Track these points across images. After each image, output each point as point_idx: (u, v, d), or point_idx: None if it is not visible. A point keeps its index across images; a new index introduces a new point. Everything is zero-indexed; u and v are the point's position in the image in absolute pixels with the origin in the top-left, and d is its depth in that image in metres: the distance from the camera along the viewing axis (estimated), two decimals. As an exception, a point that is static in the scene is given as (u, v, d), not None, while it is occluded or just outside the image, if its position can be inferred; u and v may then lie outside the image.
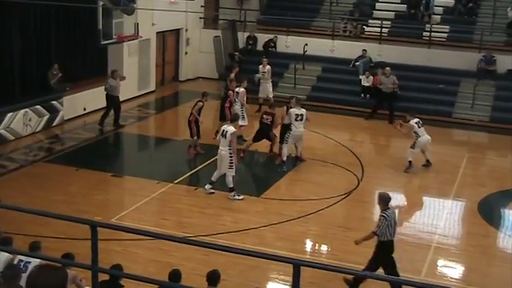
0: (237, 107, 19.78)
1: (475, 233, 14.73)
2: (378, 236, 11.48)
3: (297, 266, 5.18)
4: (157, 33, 26.41)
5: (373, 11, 29.55)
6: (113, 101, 21.33)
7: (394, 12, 29.23)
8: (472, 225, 15.14)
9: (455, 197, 16.79)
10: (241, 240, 13.50)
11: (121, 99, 22.02)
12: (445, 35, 27.60)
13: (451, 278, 12.75)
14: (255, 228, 14.29)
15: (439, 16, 28.99)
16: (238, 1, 30.95)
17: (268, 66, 24.09)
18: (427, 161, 18.53)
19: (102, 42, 21.76)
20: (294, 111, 18.03)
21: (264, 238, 14.08)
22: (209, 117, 21.01)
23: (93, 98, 22.25)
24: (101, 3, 21.00)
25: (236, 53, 27.44)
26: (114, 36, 22.18)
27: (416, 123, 18.40)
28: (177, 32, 28.33)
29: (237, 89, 20.09)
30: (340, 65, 26.86)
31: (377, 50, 26.89)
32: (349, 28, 28.55)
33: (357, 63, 26.34)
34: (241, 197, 15.74)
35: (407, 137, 18.58)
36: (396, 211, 11.71)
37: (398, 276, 11.05)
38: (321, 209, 15.45)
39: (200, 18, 29.19)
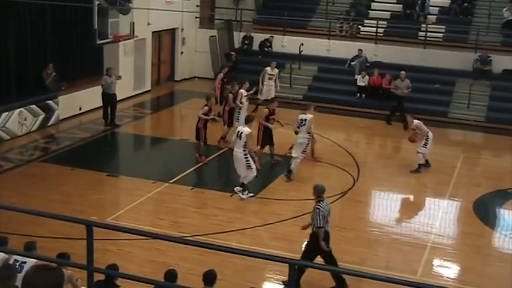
0: (242, 112, 19.60)
1: (470, 232, 14.75)
2: (315, 226, 11.71)
3: (293, 265, 5.18)
4: (153, 32, 26.39)
5: (369, 11, 29.57)
6: (108, 99, 21.32)
7: (389, 12, 29.26)
8: (468, 225, 15.16)
9: (451, 196, 16.82)
10: (237, 240, 13.49)
11: (117, 98, 22.00)
12: (441, 35, 27.63)
13: (446, 277, 12.76)
14: (251, 228, 14.30)
15: (434, 16, 29.02)
16: (234, 1, 30.94)
17: (276, 70, 23.68)
18: (427, 161, 18.54)
19: (98, 42, 21.81)
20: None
21: (259, 238, 14.08)
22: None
23: (88, 98, 22.22)
24: (97, 2, 21.03)
25: (232, 53, 27.43)
26: (109, 36, 22.22)
27: (419, 122, 18.45)
28: (172, 32, 28.31)
29: (241, 90, 19.95)
30: (336, 65, 26.88)
31: (373, 49, 26.92)
32: (345, 28, 28.56)
33: (353, 63, 26.37)
34: (250, 194, 15.70)
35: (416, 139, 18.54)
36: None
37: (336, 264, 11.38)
38: (317, 209, 15.44)
39: (196, 17, 29.18)
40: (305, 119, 17.09)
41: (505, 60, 25.54)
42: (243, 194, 15.63)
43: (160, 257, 12.54)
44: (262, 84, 23.40)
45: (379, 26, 27.61)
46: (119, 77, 22.47)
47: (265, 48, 28.03)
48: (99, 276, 8.48)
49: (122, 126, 21.87)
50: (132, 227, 13.04)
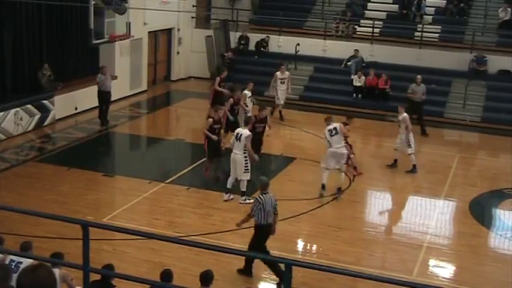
0: (240, 111, 19.42)
1: (466, 232, 14.76)
2: (252, 217, 11.86)
3: (289, 265, 5.18)
4: (149, 32, 26.37)
5: (365, 11, 29.60)
6: (102, 97, 21.33)
7: (385, 13, 29.29)
8: (463, 225, 15.17)
9: (447, 197, 16.83)
10: (232, 240, 13.48)
11: (113, 98, 22.00)
12: (437, 35, 27.67)
13: (442, 277, 12.77)
14: (247, 228, 14.27)
15: (430, 16, 29.06)
16: (230, 1, 30.94)
17: (287, 73, 23.24)
18: (395, 160, 18.53)
19: (94, 42, 21.76)
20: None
21: (255, 238, 14.06)
22: (200, 117, 20.97)
23: (84, 98, 22.20)
24: (93, 2, 20.99)
25: (226, 54, 27.40)
26: (105, 36, 22.17)
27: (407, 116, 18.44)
28: (169, 32, 28.29)
29: (245, 91, 19.80)
30: (332, 65, 26.91)
31: (369, 50, 26.93)
32: (341, 28, 28.58)
33: (349, 63, 26.40)
34: (251, 200, 15.52)
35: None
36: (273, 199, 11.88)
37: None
38: (313, 209, 15.47)
39: (192, 17, 29.17)
40: (335, 128, 16.24)
41: (500, 60, 25.59)
42: (245, 200, 15.43)
43: (156, 257, 12.53)
44: (276, 89, 22.86)
45: (375, 26, 27.65)
46: (115, 77, 22.42)
47: (262, 48, 28.04)
48: (95, 276, 8.47)
49: (117, 126, 21.86)
50: (128, 227, 13.04)
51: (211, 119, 16.28)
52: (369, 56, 26.75)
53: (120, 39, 23.33)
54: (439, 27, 27.97)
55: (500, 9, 27.90)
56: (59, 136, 20.52)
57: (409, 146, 18.17)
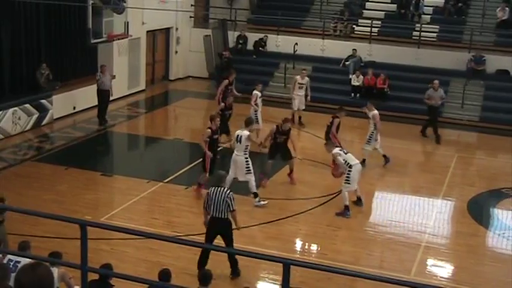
0: (259, 113, 19.59)
1: (464, 232, 14.77)
2: (205, 209, 11.81)
3: (287, 265, 5.18)
4: (147, 32, 26.36)
5: (363, 11, 29.60)
6: (101, 96, 21.33)
7: (384, 12, 29.29)
8: (462, 225, 15.18)
9: (445, 196, 16.84)
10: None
11: (111, 97, 21.98)
12: (435, 34, 27.67)
13: (440, 277, 12.78)
14: (245, 227, 14.28)
15: (428, 16, 29.06)
16: (228, 0, 30.94)
17: (307, 78, 22.32)
18: (364, 160, 18.35)
19: (92, 41, 21.76)
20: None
21: (253, 237, 14.06)
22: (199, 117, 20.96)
23: (82, 97, 22.19)
24: (91, 2, 20.98)
25: (224, 53, 27.42)
26: (104, 35, 22.16)
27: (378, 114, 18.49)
28: (167, 31, 28.28)
29: (254, 92, 19.78)
30: (330, 65, 26.90)
31: (367, 49, 26.94)
32: (339, 28, 28.59)
33: (347, 63, 26.40)
34: (265, 202, 15.41)
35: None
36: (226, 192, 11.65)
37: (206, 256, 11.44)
38: (311, 209, 15.46)
39: (190, 17, 29.16)
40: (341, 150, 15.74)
41: (498, 60, 25.61)
42: (259, 202, 15.36)
43: (154, 256, 12.53)
44: (293, 94, 22.16)
45: (373, 25, 27.65)
46: (113, 76, 22.42)
47: (260, 48, 28.04)
48: (93, 276, 8.47)
49: (116, 126, 21.85)
50: (126, 227, 13.02)
51: (209, 130, 15.51)
52: (367, 55, 26.76)
53: (118, 39, 23.33)
54: (437, 26, 27.98)
55: (499, 9, 27.90)
56: (57, 135, 20.51)
57: (376, 140, 18.38)
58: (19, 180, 16.39)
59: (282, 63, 26.69)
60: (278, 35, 28.19)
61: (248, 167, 15.33)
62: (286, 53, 27.05)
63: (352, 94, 25.17)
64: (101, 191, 16.63)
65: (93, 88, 21.43)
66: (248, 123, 15.93)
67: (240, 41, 28.36)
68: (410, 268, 12.80)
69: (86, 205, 15.07)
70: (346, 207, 15.06)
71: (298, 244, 14.23)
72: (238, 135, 15.45)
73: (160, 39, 28.08)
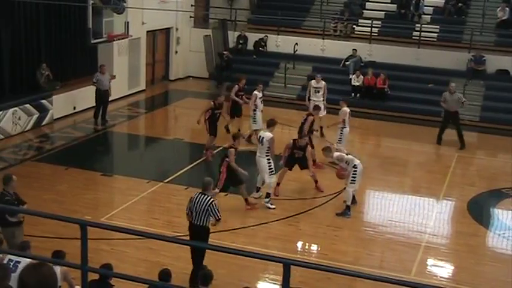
0: (258, 113, 19.52)
1: (464, 232, 14.77)
2: (187, 214, 11.70)
3: (287, 265, 5.17)
4: (147, 32, 26.36)
5: (363, 11, 29.61)
6: (99, 95, 21.32)
7: (384, 12, 29.30)
8: (462, 225, 15.18)
9: (445, 196, 16.84)
10: (231, 239, 13.48)
11: (111, 98, 22.00)
12: (435, 34, 27.67)
13: (440, 277, 12.78)
14: (245, 227, 14.29)
15: (429, 16, 29.07)
16: (228, 0, 30.94)
17: (323, 82, 21.10)
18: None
19: (92, 41, 21.74)
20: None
21: (254, 237, 14.07)
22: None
23: (83, 97, 22.18)
24: (91, 2, 20.97)
25: (225, 52, 27.43)
26: (104, 35, 22.15)
27: (349, 112, 18.39)
28: (167, 31, 28.28)
29: (255, 92, 19.69)
30: (330, 65, 26.88)
31: (367, 49, 26.95)
32: (339, 28, 28.59)
33: (347, 63, 26.40)
34: (273, 206, 15.33)
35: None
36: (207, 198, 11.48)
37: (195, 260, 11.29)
38: (311, 209, 15.47)
39: (190, 17, 29.16)
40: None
41: (499, 60, 25.61)
42: (268, 203, 15.32)
43: (154, 256, 12.53)
44: (309, 100, 20.99)
45: (373, 25, 27.65)
46: (113, 77, 22.40)
47: (260, 48, 28.04)
48: (93, 276, 8.46)
49: (116, 126, 21.85)
50: (126, 227, 13.02)
51: (233, 149, 14.75)
52: (367, 55, 26.77)
53: (119, 39, 23.32)
54: (438, 26, 27.98)
55: (499, 9, 27.91)
56: (57, 136, 20.51)
57: (340, 141, 18.27)
58: (19, 180, 16.16)
59: (282, 63, 26.70)
60: (278, 35, 28.20)
61: (271, 169, 15.27)
62: (286, 53, 27.05)
63: (352, 94, 25.16)
64: (101, 191, 16.63)
65: (93, 88, 21.44)
66: (270, 124, 15.89)
67: (240, 41, 28.36)
68: (411, 268, 12.80)
69: (86, 205, 15.07)
70: (348, 208, 15.05)
71: (299, 244, 14.22)
72: (260, 136, 15.47)
73: (160, 39, 28.08)
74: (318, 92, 21.00)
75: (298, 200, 15.93)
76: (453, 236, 14.86)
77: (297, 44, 26.80)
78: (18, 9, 20.12)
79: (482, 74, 25.42)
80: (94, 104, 21.63)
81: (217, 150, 18.75)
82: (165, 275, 9.46)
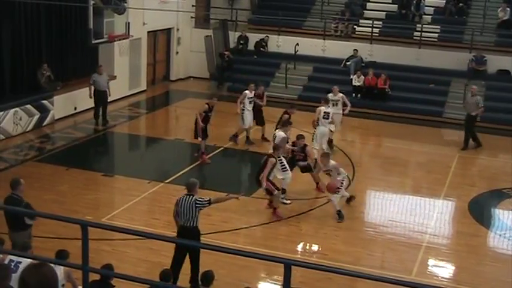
0: (246, 113, 19.52)
1: (465, 232, 14.76)
2: (174, 218, 11.59)
3: (288, 265, 5.17)
4: (148, 32, 26.36)
5: (364, 11, 29.60)
6: (97, 96, 21.34)
7: (385, 12, 29.30)
8: (463, 225, 15.17)
9: (446, 196, 16.83)
10: (231, 239, 13.49)
11: (112, 98, 22.01)
12: (436, 35, 27.68)
13: (441, 277, 12.78)
14: (246, 227, 14.30)
15: (429, 16, 29.08)
16: (229, 1, 30.95)
17: (340, 94, 20.08)
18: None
19: (93, 42, 21.76)
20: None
21: (254, 238, 14.08)
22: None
23: (84, 98, 22.14)
24: (92, 2, 20.99)
25: (226, 52, 27.44)
26: (105, 36, 22.16)
27: (325, 112, 18.17)
28: (168, 32, 28.28)
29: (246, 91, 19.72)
30: (331, 65, 26.90)
31: (368, 50, 26.94)
32: (340, 28, 28.59)
33: (348, 63, 26.40)
34: (288, 201, 15.42)
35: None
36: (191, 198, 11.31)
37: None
38: (312, 209, 15.48)
39: (191, 17, 29.17)
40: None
41: (499, 60, 25.61)
42: (283, 199, 15.36)
43: (155, 256, 12.53)
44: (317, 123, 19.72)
45: (374, 26, 27.65)
46: (114, 77, 22.40)
47: (261, 48, 28.05)
48: (94, 276, 8.47)
49: (116, 126, 21.85)
50: (127, 227, 13.03)
51: (273, 159, 14.65)
52: (368, 55, 26.76)
53: (119, 39, 23.33)
54: (438, 27, 27.99)
55: (500, 9, 27.92)
56: (58, 136, 20.51)
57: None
58: (20, 181, 16.36)
59: (283, 64, 26.70)
60: (279, 35, 28.20)
61: (283, 166, 15.26)
62: (287, 53, 27.06)
63: (353, 94, 25.12)
64: (102, 192, 16.63)
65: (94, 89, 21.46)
66: (284, 124, 15.92)
67: (241, 42, 28.36)
68: (412, 268, 12.80)
69: (86, 205, 15.08)
70: (339, 212, 14.86)
71: (299, 244, 14.22)
72: (274, 134, 15.52)
73: (161, 40, 28.09)
74: (336, 104, 19.84)
75: (299, 201, 15.92)
76: (454, 236, 14.86)
77: (297, 44, 26.80)
78: (19, 10, 20.13)
79: (483, 74, 25.42)
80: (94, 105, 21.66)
81: (217, 151, 18.77)
82: (165, 275, 9.47)
